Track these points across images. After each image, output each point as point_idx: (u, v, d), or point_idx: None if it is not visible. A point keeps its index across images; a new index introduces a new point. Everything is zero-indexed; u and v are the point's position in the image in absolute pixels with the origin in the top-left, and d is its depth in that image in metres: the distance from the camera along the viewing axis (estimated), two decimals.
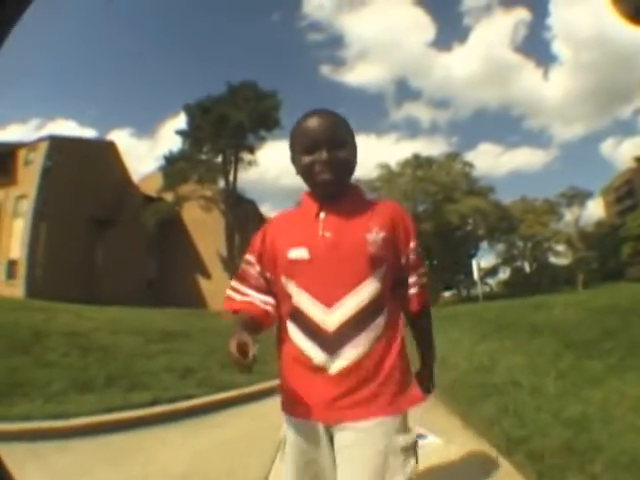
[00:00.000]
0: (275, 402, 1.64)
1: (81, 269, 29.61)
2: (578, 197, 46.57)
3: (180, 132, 35.48)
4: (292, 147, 1.56)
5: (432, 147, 61.60)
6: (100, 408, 5.05)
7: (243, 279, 1.60)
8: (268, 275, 1.56)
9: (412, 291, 1.55)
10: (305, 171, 1.50)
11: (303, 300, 1.43)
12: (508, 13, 62.46)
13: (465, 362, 7.28)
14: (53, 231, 28.27)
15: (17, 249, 28.49)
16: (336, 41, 67.72)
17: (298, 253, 1.45)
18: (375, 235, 1.45)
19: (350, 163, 1.53)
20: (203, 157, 35.07)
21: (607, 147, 62.19)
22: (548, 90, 66.57)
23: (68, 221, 29.02)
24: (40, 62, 54.42)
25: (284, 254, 1.47)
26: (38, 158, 29.60)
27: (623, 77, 57.40)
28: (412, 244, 1.54)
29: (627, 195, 49.90)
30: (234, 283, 1.62)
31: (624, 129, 57.26)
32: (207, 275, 35.40)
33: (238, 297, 1.58)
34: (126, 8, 59.66)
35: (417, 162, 43.47)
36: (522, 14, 61.48)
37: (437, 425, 4.26)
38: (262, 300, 1.55)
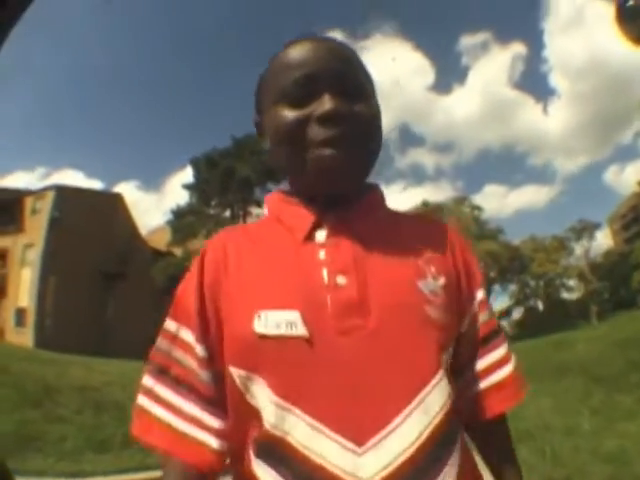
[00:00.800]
0: None
1: (91, 321, 29.47)
2: (587, 229, 46.39)
3: (188, 186, 35.81)
4: (262, 98, 0.90)
5: (438, 192, 61.94)
6: (117, 469, 4.89)
7: (173, 379, 0.80)
8: (216, 366, 0.79)
9: (485, 384, 0.85)
10: (285, 140, 0.80)
11: (294, 426, 0.69)
12: (505, 49, 63.88)
13: None
14: (62, 283, 28.26)
15: (26, 298, 28.43)
16: None
17: (278, 321, 0.71)
18: (433, 284, 0.78)
19: (376, 127, 0.85)
20: (211, 211, 35.28)
21: (611, 175, 62.41)
22: (549, 124, 67.51)
23: (77, 273, 29.05)
24: (46, 111, 55.86)
25: (244, 323, 0.73)
26: (45, 207, 29.85)
27: (621, 101, 58.20)
28: (479, 294, 0.87)
29: (633, 221, 49.76)
30: (154, 385, 0.81)
31: (626, 154, 57.63)
32: None
33: (167, 418, 0.78)
34: (132, 60, 61.44)
35: (426, 209, 43.56)
36: (518, 48, 62.88)
37: None
38: (216, 429, 0.78)
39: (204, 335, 0.79)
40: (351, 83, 0.82)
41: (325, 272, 0.76)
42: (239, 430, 0.76)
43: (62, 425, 6.48)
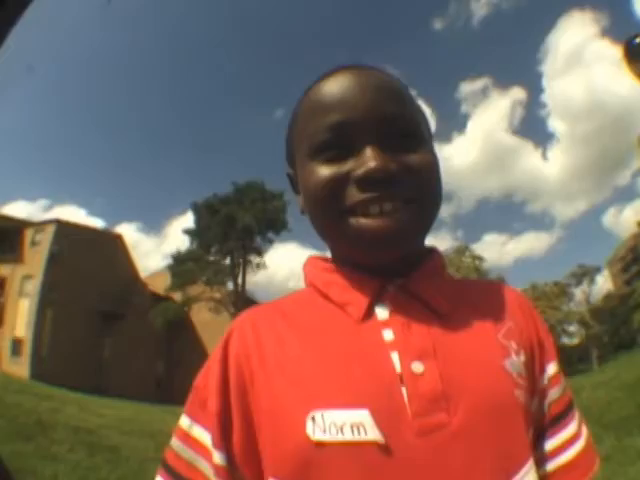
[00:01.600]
0: None
1: (87, 357, 29.30)
2: (587, 274, 46.49)
3: (188, 231, 35.86)
4: (292, 146, 0.76)
5: (439, 243, 61.67)
6: None
7: None
8: (237, 477, 0.65)
9: (553, 465, 0.70)
10: (320, 205, 0.69)
11: None
12: (504, 94, 65.25)
13: None
14: (59, 317, 28.34)
15: (23, 328, 28.41)
16: None
17: (340, 423, 0.57)
18: (518, 363, 0.67)
19: (435, 181, 0.71)
20: (211, 258, 35.18)
21: (610, 217, 62.66)
22: (548, 169, 68.46)
23: (75, 309, 29.13)
24: (52, 144, 56.86)
25: (294, 427, 0.59)
26: (45, 241, 30.10)
27: (618, 141, 58.96)
28: (552, 368, 0.74)
29: (633, 262, 49.72)
30: None
31: (624, 196, 57.98)
32: None
33: None
34: (137, 102, 62.71)
35: None
36: (517, 93, 64.24)
37: None
38: None
39: (225, 440, 0.64)
40: (403, 128, 0.67)
41: (396, 357, 0.62)
42: None
43: (54, 463, 6.34)
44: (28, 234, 30.95)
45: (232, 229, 33.53)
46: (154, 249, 63.59)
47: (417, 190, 0.66)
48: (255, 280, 40.54)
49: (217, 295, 34.31)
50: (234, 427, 0.64)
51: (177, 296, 34.26)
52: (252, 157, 58.74)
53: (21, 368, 26.14)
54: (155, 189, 61.44)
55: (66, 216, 42.34)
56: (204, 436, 0.66)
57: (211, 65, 67.03)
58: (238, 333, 0.70)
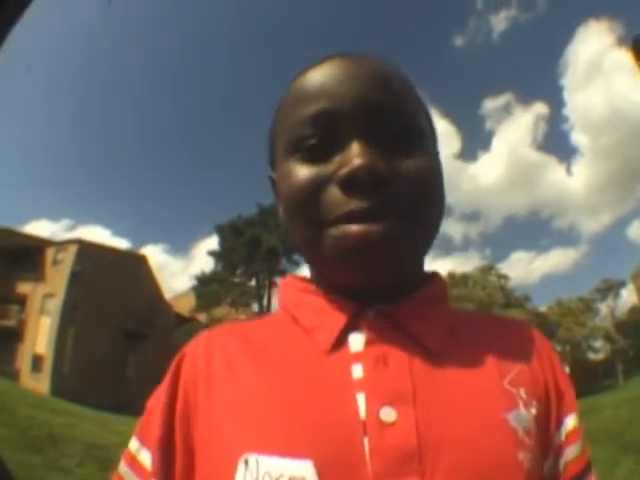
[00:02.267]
0: None
1: (110, 376, 29.34)
2: (612, 288, 45.86)
3: (213, 253, 36.18)
4: (274, 143, 0.64)
5: (466, 262, 61.36)
6: None
7: None
8: None
9: None
10: (297, 211, 0.57)
11: None
12: (527, 109, 64.97)
13: None
14: (81, 335, 28.50)
15: (43, 345, 28.57)
16: None
17: (276, 474, 0.46)
18: (526, 417, 0.53)
19: (435, 189, 0.59)
20: (236, 280, 35.43)
21: (634, 229, 61.50)
22: (572, 184, 67.63)
23: (97, 328, 29.25)
24: (78, 164, 58.30)
25: (222, 472, 0.49)
26: (67, 260, 30.27)
27: (639, 151, 58.19)
28: (570, 421, 0.59)
29: None
30: None
31: None
32: None
33: None
34: (163, 124, 63.59)
35: (452, 280, 43.03)
36: (540, 109, 63.92)
37: None
38: None
39: (166, 468, 0.54)
40: (397, 122, 0.55)
41: (362, 400, 0.50)
42: None
43: (61, 475, 6.33)
44: (50, 253, 31.28)
45: (257, 251, 33.67)
46: (180, 271, 64.27)
47: (411, 202, 0.53)
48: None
49: (242, 317, 34.26)
50: (176, 456, 0.54)
51: (202, 317, 34.53)
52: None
53: (41, 384, 26.26)
54: (181, 211, 62.25)
55: (91, 236, 43.32)
56: (147, 460, 0.56)
57: (241, 78, 67.80)
58: (190, 356, 0.60)
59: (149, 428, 0.57)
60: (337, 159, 0.54)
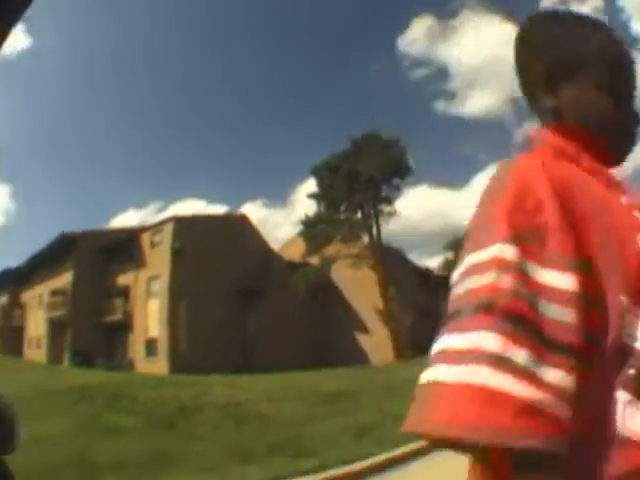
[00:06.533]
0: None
1: (230, 340, 29.89)
2: None
3: (313, 195, 36.03)
4: (558, 77, 0.80)
5: None
6: (266, 477, 4.74)
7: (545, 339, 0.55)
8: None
9: None
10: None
11: None
12: (582, 3, 57.83)
13: None
14: (194, 307, 29.07)
15: (155, 327, 29.47)
16: (441, 74, 66.50)
17: None
18: None
19: None
20: (342, 216, 35.12)
21: None
22: None
23: (209, 295, 29.75)
24: (148, 149, 59.35)
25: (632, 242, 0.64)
26: (165, 239, 30.93)
27: None
28: None
29: None
30: (505, 345, 0.53)
31: None
32: (366, 330, 34.87)
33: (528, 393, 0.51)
34: (235, 82, 62.83)
35: None
36: (596, 2, 56.66)
37: None
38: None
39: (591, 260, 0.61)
40: None
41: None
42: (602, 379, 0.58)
43: (200, 442, 6.40)
44: (146, 238, 32.23)
45: (357, 183, 33.21)
46: (283, 220, 65.35)
47: None
48: (389, 228, 40.35)
49: (354, 250, 34.22)
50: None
51: (314, 260, 34.74)
52: (359, 110, 56.77)
53: (159, 366, 27.13)
54: (271, 161, 62.11)
55: (187, 211, 44.59)
56: (558, 278, 0.57)
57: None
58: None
59: (536, 232, 0.61)
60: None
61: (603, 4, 56.66)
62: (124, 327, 31.18)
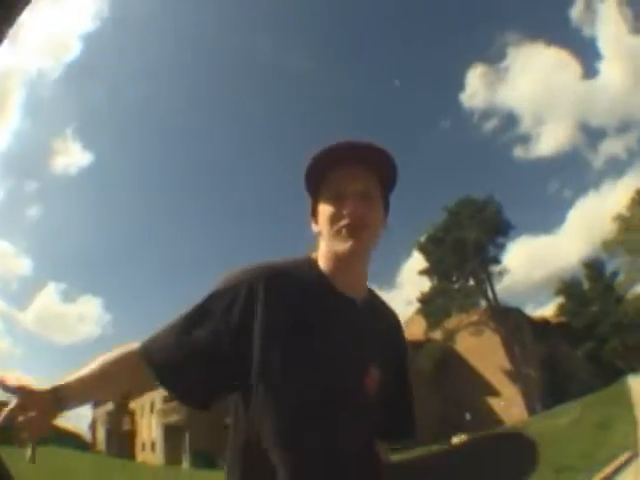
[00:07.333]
0: None
1: None
2: None
3: (424, 271, 36.17)
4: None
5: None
6: None
7: None
8: None
9: None
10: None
11: None
12: (604, 1, 55.51)
13: None
14: None
15: None
16: (510, 119, 65.15)
17: None
18: None
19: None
20: (456, 286, 35.04)
21: None
22: None
23: None
24: None
25: None
26: None
27: None
28: None
29: None
30: None
31: None
32: (496, 394, 33.56)
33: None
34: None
35: None
36: None
37: None
38: None
39: None
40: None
41: None
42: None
43: None
44: None
45: (464, 250, 33.30)
46: (393, 301, 64.78)
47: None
48: (503, 287, 39.40)
49: (475, 318, 33.76)
50: None
51: (437, 335, 34.54)
52: (444, 177, 56.26)
53: None
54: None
55: None
56: None
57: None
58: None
59: None
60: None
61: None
62: None
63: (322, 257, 1.22)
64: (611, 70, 63.27)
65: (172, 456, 32.04)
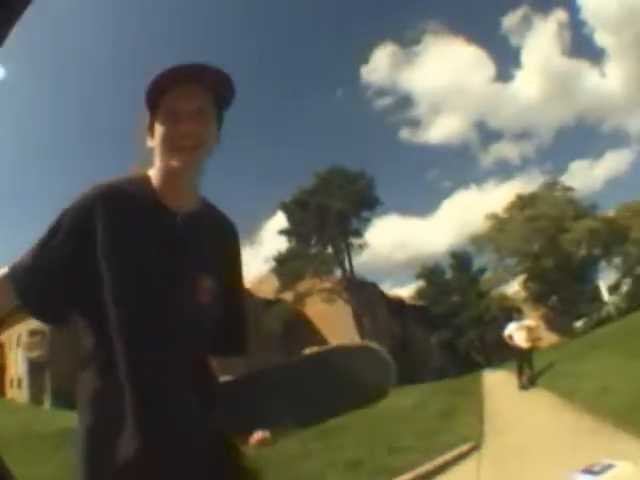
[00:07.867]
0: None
1: None
2: None
3: (283, 231, 35.97)
4: None
5: (529, 181, 59.71)
6: None
7: None
8: None
9: None
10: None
11: None
12: (545, 19, 59.88)
13: (635, 385, 6.83)
14: None
15: None
16: (406, 102, 66.95)
17: None
18: None
19: None
20: (313, 251, 35.14)
21: None
22: (609, 85, 62.91)
23: None
24: None
25: None
26: None
27: None
28: None
29: None
30: None
31: None
32: None
33: None
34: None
35: (522, 202, 42.22)
36: (559, 16, 58.75)
37: (623, 452, 4.03)
38: None
39: None
40: None
41: None
42: None
43: None
44: None
45: (326, 218, 33.47)
46: (253, 257, 64.98)
47: None
48: (361, 261, 40.55)
49: (328, 285, 34.30)
50: None
51: (288, 296, 34.57)
52: (323, 143, 56.50)
53: None
54: (237, 199, 60.96)
55: None
56: None
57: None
58: None
59: None
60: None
61: (567, 17, 58.98)
62: None
63: (155, 173, 1.25)
64: (527, 81, 67.11)
65: (37, 394, 29.53)
